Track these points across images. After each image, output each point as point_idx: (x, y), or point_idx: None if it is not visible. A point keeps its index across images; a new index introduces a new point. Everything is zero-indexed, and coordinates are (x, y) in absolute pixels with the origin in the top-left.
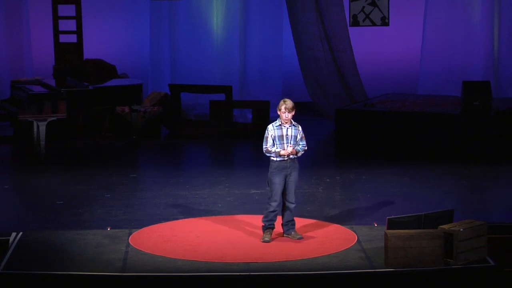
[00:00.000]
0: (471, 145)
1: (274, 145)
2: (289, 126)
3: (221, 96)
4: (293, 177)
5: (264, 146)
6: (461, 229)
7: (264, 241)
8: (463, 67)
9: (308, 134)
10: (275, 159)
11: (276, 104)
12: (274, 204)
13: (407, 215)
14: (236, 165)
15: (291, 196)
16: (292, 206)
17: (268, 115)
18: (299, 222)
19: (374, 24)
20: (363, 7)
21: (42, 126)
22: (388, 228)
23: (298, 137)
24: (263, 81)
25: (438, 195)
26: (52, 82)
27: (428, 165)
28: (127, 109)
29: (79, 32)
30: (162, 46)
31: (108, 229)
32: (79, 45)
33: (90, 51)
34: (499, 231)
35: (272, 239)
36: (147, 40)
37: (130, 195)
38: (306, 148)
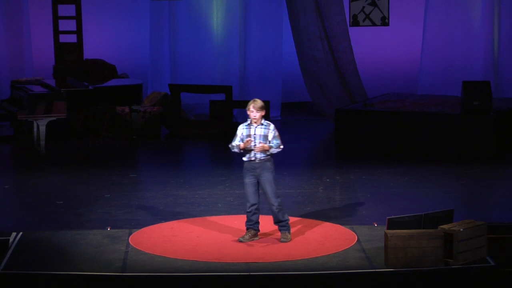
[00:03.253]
0: (471, 145)
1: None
2: (258, 125)
3: (221, 96)
4: (265, 177)
5: (230, 144)
6: (461, 229)
7: (239, 240)
8: (463, 67)
9: (308, 134)
10: (244, 159)
11: (276, 104)
12: (247, 204)
13: (407, 215)
14: (236, 165)
15: (270, 197)
16: (273, 207)
17: (268, 115)
18: (299, 222)
19: (374, 24)
20: (363, 7)
21: (42, 126)
22: (388, 228)
23: (270, 136)
24: (263, 81)
25: (438, 195)
26: (52, 82)
27: (428, 165)
28: (127, 109)
29: (79, 32)
30: (162, 46)
31: (108, 229)
32: (79, 45)
33: (90, 51)
34: (499, 231)
35: (251, 240)
36: (147, 40)
37: (130, 195)
38: (281, 146)
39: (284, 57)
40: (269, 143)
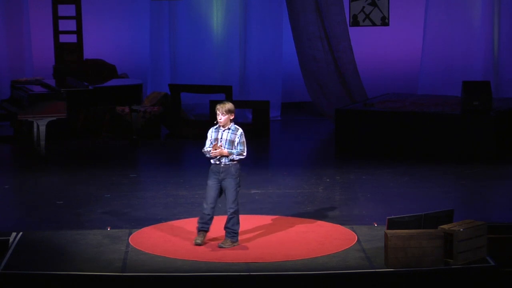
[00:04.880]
0: (471, 145)
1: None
2: (225, 129)
3: (221, 96)
4: (228, 183)
5: (202, 149)
6: (461, 229)
7: (196, 244)
8: (463, 67)
9: (308, 134)
10: (211, 161)
11: (276, 104)
12: (205, 206)
13: (407, 215)
14: None
15: (228, 202)
16: (229, 212)
17: (268, 115)
18: (299, 222)
19: (374, 24)
20: (363, 7)
21: (42, 126)
22: (388, 228)
23: (236, 141)
24: (263, 81)
25: (438, 195)
26: (52, 82)
27: (428, 165)
28: (127, 109)
29: (79, 32)
30: (162, 46)
31: (108, 229)
32: (79, 45)
33: (90, 51)
34: (499, 231)
35: (205, 242)
36: (147, 40)
37: (130, 195)
38: (244, 154)
39: (284, 57)
40: (233, 148)
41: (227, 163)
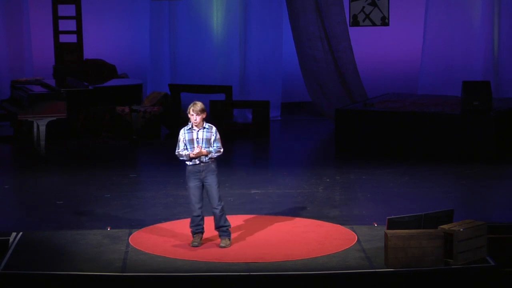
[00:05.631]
0: (471, 145)
1: (187, 149)
2: (200, 129)
3: (221, 96)
4: (210, 180)
5: (176, 151)
6: (461, 229)
7: (193, 246)
8: (463, 67)
9: (308, 134)
10: (188, 163)
11: (276, 104)
12: (192, 208)
13: (407, 215)
14: (236, 165)
15: (214, 201)
16: (216, 210)
17: (268, 115)
18: (299, 222)
19: (374, 24)
20: (363, 7)
21: (42, 126)
22: (388, 228)
23: (212, 139)
24: (263, 81)
25: (438, 195)
26: (52, 82)
27: (428, 165)
28: (127, 109)
29: (79, 32)
30: (162, 46)
31: (108, 229)
32: (79, 45)
33: (90, 51)
34: (499, 231)
35: (202, 243)
36: (147, 40)
37: (130, 195)
38: (221, 150)
39: (284, 57)
40: (210, 146)
41: (207, 161)
